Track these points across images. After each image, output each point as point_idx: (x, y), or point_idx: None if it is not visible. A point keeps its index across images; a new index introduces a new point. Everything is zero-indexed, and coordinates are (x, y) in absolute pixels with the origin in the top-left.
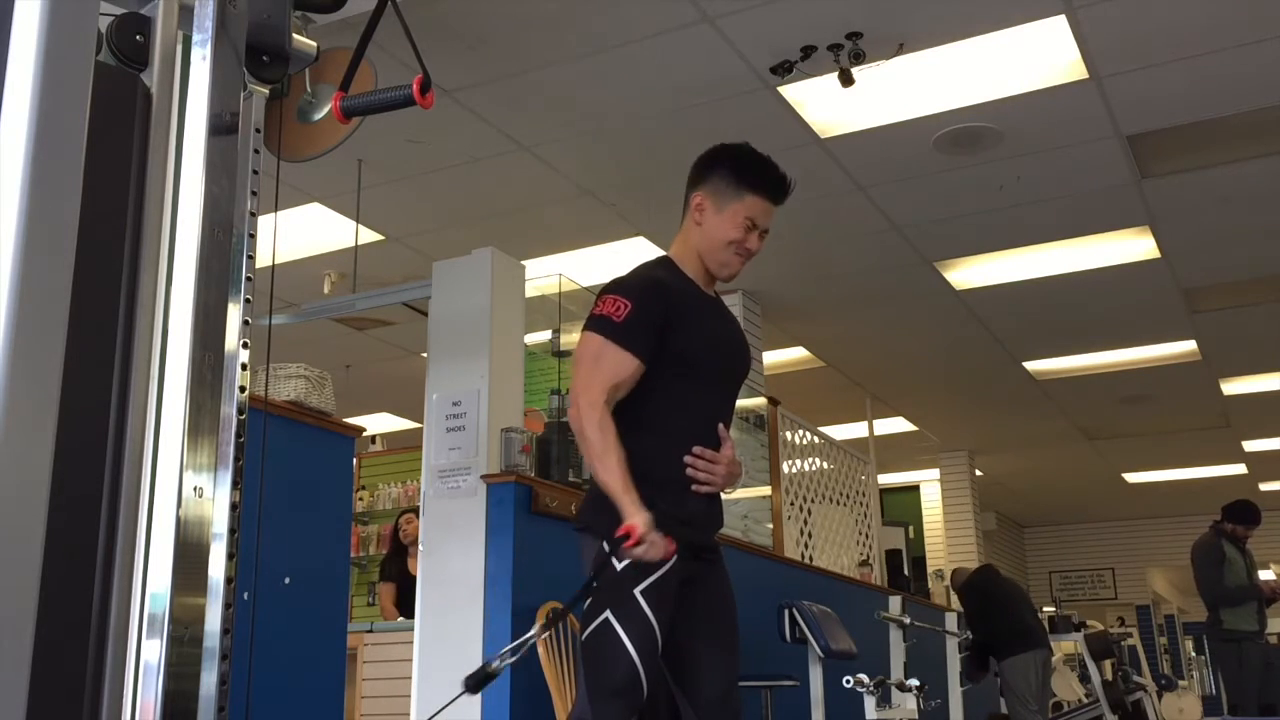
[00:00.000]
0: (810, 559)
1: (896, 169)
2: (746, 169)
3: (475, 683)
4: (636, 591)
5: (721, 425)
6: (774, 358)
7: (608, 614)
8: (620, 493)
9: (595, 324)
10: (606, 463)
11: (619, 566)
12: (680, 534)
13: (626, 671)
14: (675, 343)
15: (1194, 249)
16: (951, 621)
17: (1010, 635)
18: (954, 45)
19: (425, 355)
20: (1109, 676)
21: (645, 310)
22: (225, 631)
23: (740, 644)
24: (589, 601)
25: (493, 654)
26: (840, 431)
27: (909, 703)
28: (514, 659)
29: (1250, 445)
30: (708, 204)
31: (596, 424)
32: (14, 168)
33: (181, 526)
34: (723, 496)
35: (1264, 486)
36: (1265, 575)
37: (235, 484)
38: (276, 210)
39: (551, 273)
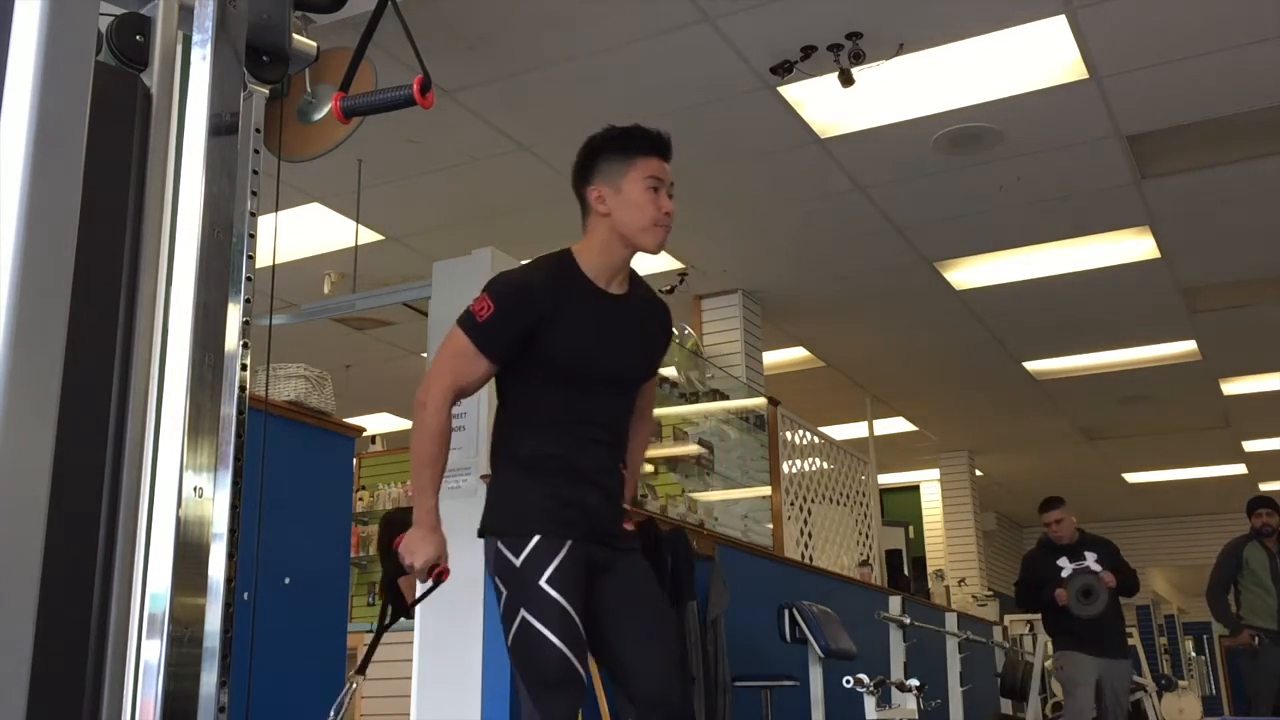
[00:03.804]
0: (810, 559)
1: (896, 169)
2: (622, 141)
3: None
4: (541, 583)
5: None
6: (774, 358)
7: (523, 613)
8: (418, 496)
9: (463, 318)
10: (422, 476)
11: (518, 564)
12: (571, 516)
13: (557, 662)
14: (543, 347)
15: (1194, 249)
16: (951, 621)
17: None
18: (954, 45)
19: (425, 355)
20: None
21: (506, 317)
22: (225, 631)
23: (672, 629)
24: (501, 609)
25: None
26: (840, 431)
27: (909, 703)
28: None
29: (1250, 445)
30: (605, 190)
31: (436, 429)
32: (14, 168)
33: (181, 526)
34: (720, 497)
35: (1264, 486)
36: None
37: (235, 484)
38: (277, 210)
39: None
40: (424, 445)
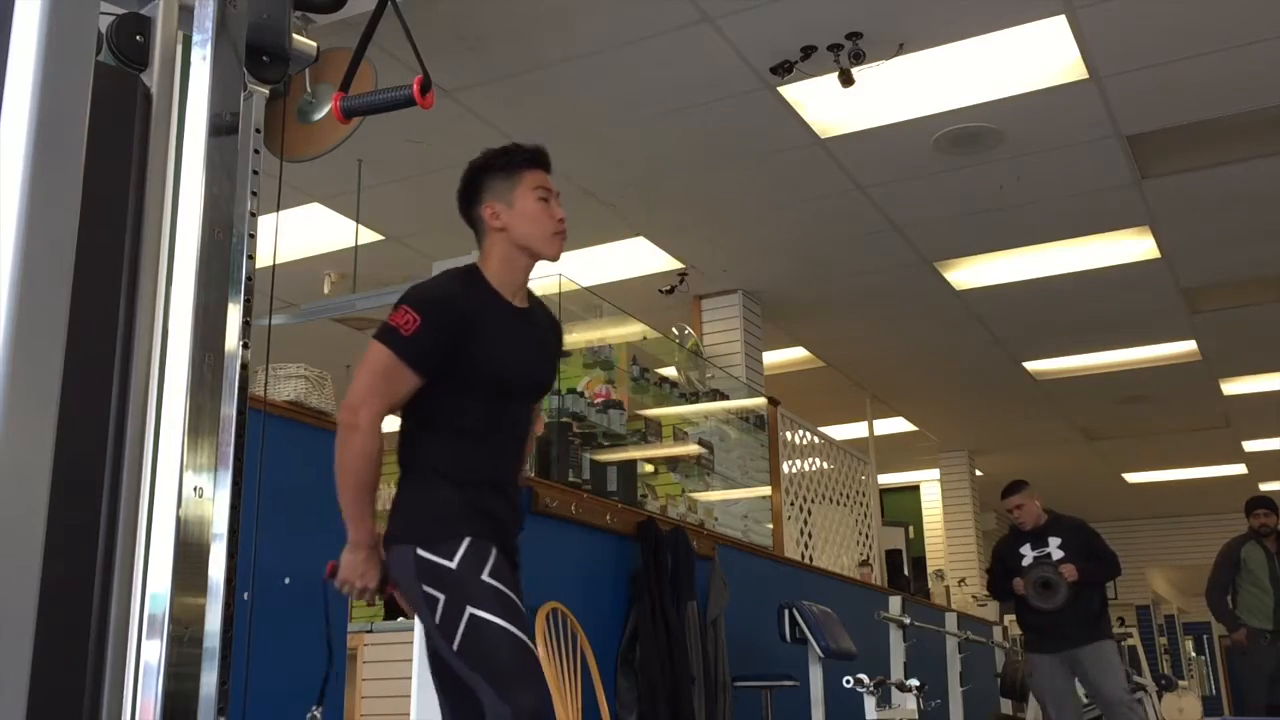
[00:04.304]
0: (810, 559)
1: (896, 169)
2: (505, 160)
3: None
4: (484, 577)
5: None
6: (774, 358)
7: (470, 610)
8: (357, 520)
9: (383, 334)
10: (359, 500)
11: (453, 565)
12: (491, 526)
13: (517, 647)
14: (466, 358)
15: (1194, 249)
16: (951, 621)
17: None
18: (954, 45)
19: None
20: None
21: (432, 327)
22: (225, 631)
23: None
24: (440, 615)
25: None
26: (840, 431)
27: (909, 703)
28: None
29: (1250, 445)
30: (498, 206)
31: (374, 453)
32: (14, 168)
33: (181, 526)
34: (720, 497)
35: (1264, 486)
36: None
37: (235, 484)
38: (278, 210)
39: (551, 273)
40: (361, 471)
